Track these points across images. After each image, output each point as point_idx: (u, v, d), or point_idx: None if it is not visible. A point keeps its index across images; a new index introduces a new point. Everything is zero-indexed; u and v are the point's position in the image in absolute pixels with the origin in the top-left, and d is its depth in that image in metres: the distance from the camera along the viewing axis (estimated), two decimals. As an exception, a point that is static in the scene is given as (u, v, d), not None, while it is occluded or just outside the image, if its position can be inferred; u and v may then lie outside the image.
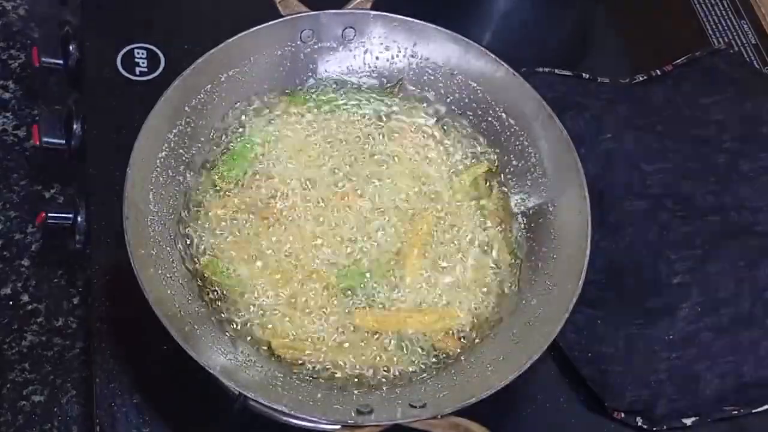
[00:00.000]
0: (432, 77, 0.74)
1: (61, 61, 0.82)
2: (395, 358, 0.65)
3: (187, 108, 0.68)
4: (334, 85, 0.74)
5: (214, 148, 0.70)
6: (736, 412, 0.72)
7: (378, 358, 0.65)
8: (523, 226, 0.70)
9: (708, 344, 0.72)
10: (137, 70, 0.82)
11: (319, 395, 0.61)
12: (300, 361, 0.64)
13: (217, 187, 0.69)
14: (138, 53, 0.83)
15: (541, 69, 0.85)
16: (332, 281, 0.66)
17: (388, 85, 0.75)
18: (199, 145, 0.69)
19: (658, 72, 0.89)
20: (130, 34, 0.84)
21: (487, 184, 0.72)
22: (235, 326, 0.64)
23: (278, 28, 0.71)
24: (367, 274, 0.67)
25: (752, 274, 0.74)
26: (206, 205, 0.68)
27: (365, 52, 0.74)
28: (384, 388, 0.63)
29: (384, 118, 0.74)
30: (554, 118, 0.69)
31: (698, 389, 0.71)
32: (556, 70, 0.86)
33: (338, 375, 0.64)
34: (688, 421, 0.71)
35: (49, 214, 0.76)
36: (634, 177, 0.79)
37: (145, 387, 0.68)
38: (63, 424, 0.79)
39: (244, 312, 0.65)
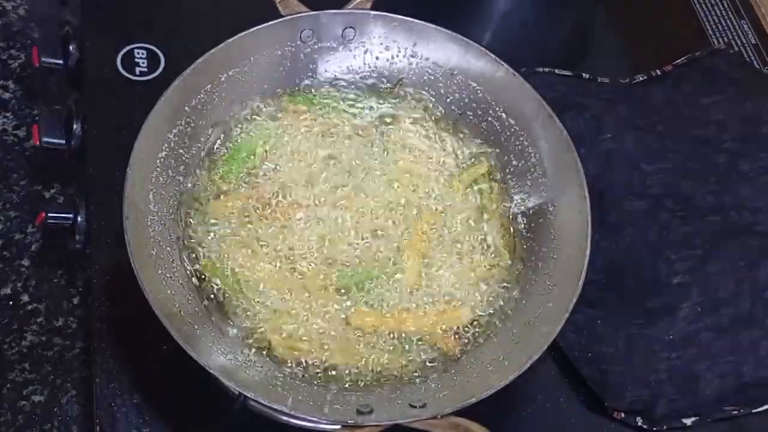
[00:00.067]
0: (432, 77, 0.74)
1: (61, 61, 0.82)
2: (395, 358, 0.65)
3: (187, 108, 0.68)
4: (334, 85, 0.74)
5: (215, 148, 0.70)
6: (736, 412, 0.72)
7: (378, 358, 0.65)
8: (523, 226, 0.70)
9: (708, 344, 0.72)
10: (137, 70, 0.82)
11: (319, 395, 0.61)
12: (300, 361, 0.64)
13: (218, 187, 0.69)
14: (138, 53, 0.83)
15: (541, 69, 0.85)
16: (332, 281, 0.66)
17: (388, 85, 0.75)
18: (199, 145, 0.69)
19: (658, 72, 0.89)
20: (130, 34, 0.84)
21: (487, 184, 0.72)
22: (235, 326, 0.64)
23: (278, 28, 0.71)
24: (368, 274, 0.67)
25: (752, 274, 0.74)
26: (206, 205, 0.68)
27: (365, 52, 0.74)
28: (384, 388, 0.63)
29: (384, 118, 0.74)
30: (554, 118, 0.69)
31: (698, 389, 0.71)
32: (556, 70, 0.86)
33: (338, 375, 0.64)
34: (688, 421, 0.71)
35: (49, 214, 0.76)
36: (634, 177, 0.79)
37: (145, 387, 0.68)
38: (63, 424, 0.79)
39: (243, 312, 0.65)
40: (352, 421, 0.59)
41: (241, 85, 0.71)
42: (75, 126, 0.78)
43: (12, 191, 0.90)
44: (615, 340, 0.72)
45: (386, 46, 0.73)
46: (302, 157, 0.71)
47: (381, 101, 0.74)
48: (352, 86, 0.74)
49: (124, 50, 0.83)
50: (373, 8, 0.73)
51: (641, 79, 0.88)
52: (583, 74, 0.87)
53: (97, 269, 0.72)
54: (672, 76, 0.88)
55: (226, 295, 0.65)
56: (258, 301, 0.65)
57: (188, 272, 0.65)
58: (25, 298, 0.84)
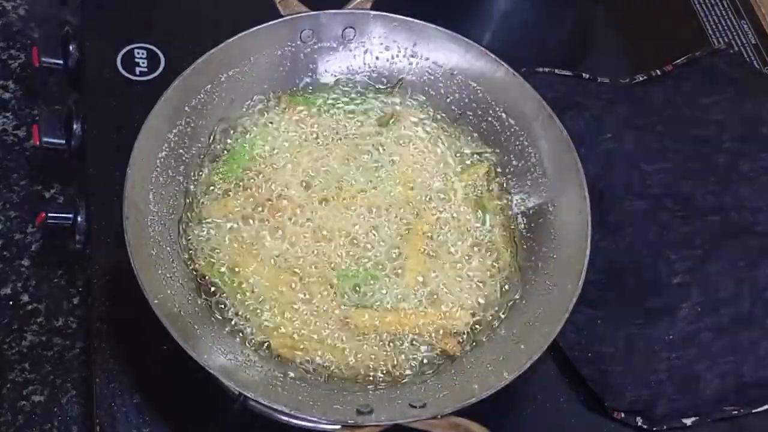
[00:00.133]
0: (432, 77, 0.74)
1: (61, 61, 0.82)
2: (395, 358, 0.65)
3: (187, 108, 0.68)
4: (334, 85, 0.74)
5: (214, 148, 0.70)
6: (736, 412, 0.72)
7: (378, 358, 0.65)
8: (523, 226, 0.71)
9: (708, 344, 0.72)
10: (137, 70, 0.82)
11: (319, 395, 0.61)
12: (300, 361, 0.64)
13: (218, 187, 0.69)
14: (138, 53, 0.83)
15: (541, 69, 0.85)
16: (332, 281, 0.66)
17: (388, 85, 0.75)
18: (199, 145, 0.69)
19: (658, 72, 0.89)
20: (130, 34, 0.84)
21: (487, 184, 0.72)
22: (234, 326, 0.64)
23: (278, 28, 0.71)
24: (368, 274, 0.67)
25: (752, 274, 0.74)
26: (206, 205, 0.68)
27: (365, 52, 0.74)
28: (384, 388, 0.63)
29: (384, 118, 0.74)
30: (554, 118, 0.69)
31: (698, 389, 0.71)
32: (556, 70, 0.86)
33: (338, 375, 0.64)
34: (688, 421, 0.71)
35: (49, 214, 0.76)
36: (634, 177, 0.79)
37: (145, 387, 0.68)
38: (63, 424, 0.79)
39: (243, 312, 0.65)
40: (352, 421, 0.59)
41: (241, 85, 0.71)
42: (75, 126, 0.78)
43: (12, 191, 0.90)
44: (615, 340, 0.72)
45: (386, 46, 0.73)
46: (302, 157, 0.71)
47: (381, 101, 0.74)
48: (352, 86, 0.75)
49: (124, 50, 0.83)
50: (373, 8, 0.73)
51: (641, 79, 0.88)
52: (583, 74, 0.87)
53: (97, 269, 0.72)
54: (672, 76, 0.88)
55: (226, 295, 0.65)
56: (258, 301, 0.65)
57: (188, 272, 0.65)
58: (25, 298, 0.84)
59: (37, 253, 0.87)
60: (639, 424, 0.71)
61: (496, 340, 0.65)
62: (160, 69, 0.82)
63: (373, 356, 0.65)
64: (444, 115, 0.74)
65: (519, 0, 0.96)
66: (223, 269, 0.66)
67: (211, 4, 0.90)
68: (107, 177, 0.74)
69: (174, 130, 0.67)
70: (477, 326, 0.67)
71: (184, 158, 0.68)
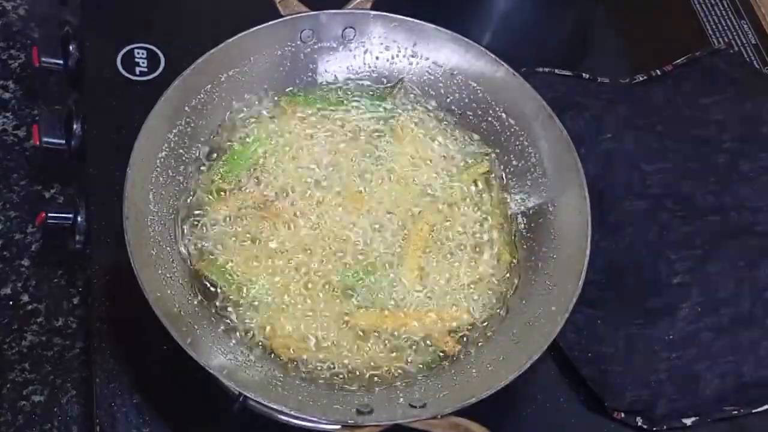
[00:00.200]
0: (432, 77, 0.74)
1: (61, 61, 0.82)
2: (395, 358, 0.65)
3: (187, 108, 0.68)
4: (334, 85, 0.74)
5: (214, 148, 0.70)
6: (736, 412, 0.72)
7: (378, 358, 0.65)
8: (523, 226, 0.71)
9: (708, 344, 0.72)
10: (137, 70, 0.82)
11: (319, 395, 0.61)
12: (300, 361, 0.64)
13: (218, 187, 0.69)
14: (138, 53, 0.83)
15: (541, 69, 0.85)
16: (332, 281, 0.66)
17: (388, 85, 0.75)
18: (199, 145, 0.69)
19: (658, 72, 0.89)
20: (130, 34, 0.84)
21: (487, 184, 0.72)
22: (234, 326, 0.64)
23: (278, 28, 0.71)
24: (368, 274, 0.67)
25: (752, 274, 0.74)
26: (206, 205, 0.68)
27: (365, 52, 0.74)
28: (384, 388, 0.63)
29: (384, 119, 0.74)
30: (554, 118, 0.69)
31: (698, 389, 0.71)
32: (556, 70, 0.86)
33: (338, 375, 0.64)
34: (688, 421, 0.71)
35: (49, 214, 0.76)
36: (634, 177, 0.79)
37: (145, 387, 0.68)
38: (63, 424, 0.79)
39: (244, 312, 0.65)
40: (352, 421, 0.59)
41: (241, 85, 0.71)
42: (75, 126, 0.78)
43: (12, 191, 0.90)
44: (615, 340, 0.72)
45: (386, 46, 0.74)
46: (302, 157, 0.71)
47: (381, 101, 0.74)
48: (352, 86, 0.74)
49: (124, 50, 0.83)
50: (373, 8, 0.73)
51: (641, 79, 0.88)
52: (583, 74, 0.87)
53: (97, 269, 0.72)
54: (672, 76, 0.88)
55: (227, 295, 0.65)
56: (258, 301, 0.65)
57: (188, 272, 0.65)
58: (25, 298, 0.84)
59: (37, 253, 0.87)
60: (639, 424, 0.71)
61: (496, 340, 0.65)
62: (160, 69, 0.82)
63: (373, 356, 0.65)
64: (444, 115, 0.74)
65: (519, 0, 0.96)
66: (223, 269, 0.66)
67: (211, 4, 0.90)
68: (107, 177, 0.74)
69: (174, 130, 0.67)
70: (477, 326, 0.67)
71: (184, 158, 0.68)
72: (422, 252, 0.68)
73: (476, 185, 0.72)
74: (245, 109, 0.72)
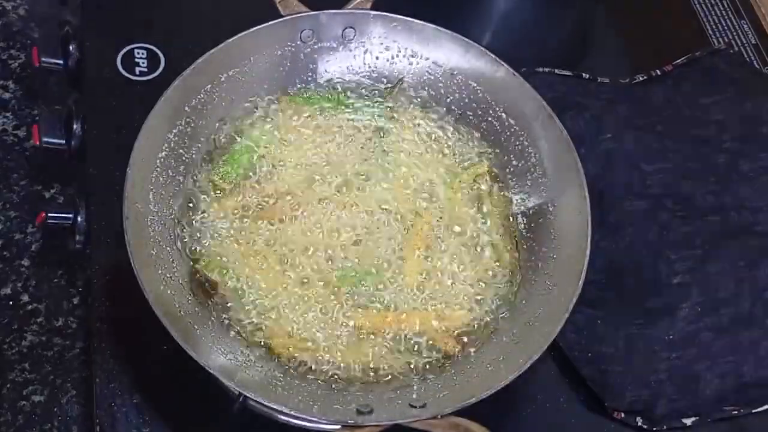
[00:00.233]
0: (432, 77, 0.74)
1: (61, 61, 0.82)
2: (395, 358, 0.65)
3: (187, 108, 0.68)
4: (334, 85, 0.74)
5: (214, 148, 0.70)
6: (736, 412, 0.72)
7: (378, 358, 0.65)
8: (523, 226, 0.70)
9: (708, 344, 0.72)
10: (137, 70, 0.82)
11: (319, 395, 0.61)
12: (300, 361, 0.64)
13: (217, 187, 0.69)
14: (138, 53, 0.83)
15: (541, 69, 0.85)
16: (332, 281, 0.66)
17: (388, 85, 0.75)
18: (199, 145, 0.69)
19: (658, 72, 0.89)
20: (130, 34, 0.84)
21: (487, 184, 0.72)
22: (234, 326, 0.64)
23: (278, 28, 0.71)
24: (368, 274, 0.67)
25: (752, 274, 0.74)
26: (206, 205, 0.68)
27: (365, 52, 0.74)
28: (384, 388, 0.63)
29: (384, 118, 0.74)
30: (554, 118, 0.69)
31: (698, 389, 0.71)
32: (556, 70, 0.86)
33: (338, 375, 0.64)
34: (688, 421, 0.71)
35: (49, 214, 0.76)
36: (634, 177, 0.79)
37: (145, 387, 0.68)
38: (63, 424, 0.79)
39: (244, 312, 0.65)
40: (352, 421, 0.59)
41: (241, 85, 0.71)
42: (75, 126, 0.78)
43: (12, 191, 0.90)
44: (615, 340, 0.72)
45: (386, 46, 0.73)
46: (302, 157, 0.71)
47: (381, 101, 0.74)
48: (352, 86, 0.74)
49: (124, 50, 0.83)
50: (373, 8, 0.73)
51: (641, 79, 0.88)
52: (583, 74, 0.87)
53: (97, 269, 0.72)
54: (672, 76, 0.88)
55: (226, 294, 0.65)
56: (258, 301, 0.65)
57: (188, 272, 0.65)
58: (25, 298, 0.84)
59: (37, 253, 0.87)
60: (639, 424, 0.71)
61: (496, 340, 0.65)
62: (160, 69, 0.82)
63: (372, 356, 0.65)
64: (444, 115, 0.74)
65: (519, 0, 0.96)
66: (223, 269, 0.66)
67: (211, 4, 0.90)
68: (107, 177, 0.74)
69: (174, 130, 0.67)
70: (477, 326, 0.67)
71: (184, 158, 0.68)
72: (422, 252, 0.68)
73: (476, 185, 0.72)
74: (245, 109, 0.72)
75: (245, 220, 0.68)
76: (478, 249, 0.69)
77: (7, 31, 0.98)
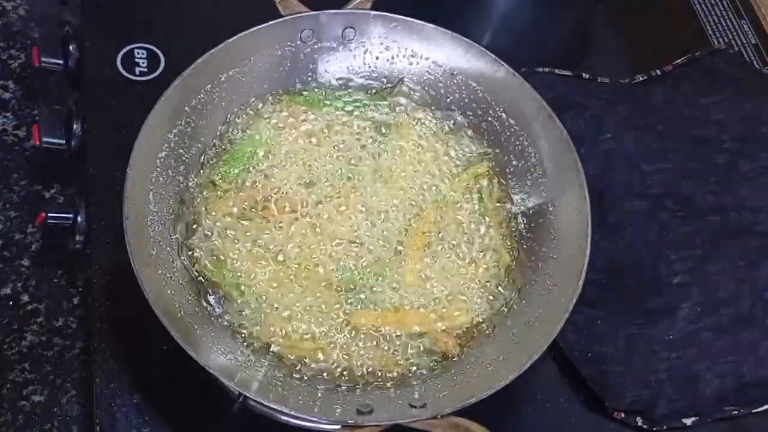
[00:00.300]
0: (432, 77, 0.74)
1: (61, 61, 0.82)
2: (395, 358, 0.65)
3: (187, 108, 0.68)
4: (334, 85, 0.74)
5: (214, 148, 0.70)
6: (736, 412, 0.72)
7: (378, 358, 0.65)
8: (523, 226, 0.70)
9: (708, 344, 0.72)
10: (137, 70, 0.82)
11: (319, 395, 0.61)
12: (300, 361, 0.64)
13: (218, 187, 0.69)
14: (138, 53, 0.83)
15: (541, 69, 0.85)
16: (332, 281, 0.66)
17: (388, 85, 0.75)
18: (199, 145, 0.69)
19: (658, 72, 0.89)
20: (130, 34, 0.84)
21: (487, 184, 0.72)
22: (235, 326, 0.64)
23: (278, 28, 0.71)
24: (368, 274, 0.67)
25: (752, 274, 0.74)
26: (206, 205, 0.68)
27: (365, 52, 0.74)
28: (384, 388, 0.63)
29: (384, 118, 0.74)
30: (554, 118, 0.69)
31: (698, 389, 0.71)
32: (556, 70, 0.86)
33: (338, 375, 0.64)
34: (688, 421, 0.71)
35: (49, 214, 0.76)
36: (634, 177, 0.79)
37: (145, 387, 0.68)
38: (63, 424, 0.79)
39: (244, 312, 0.65)
40: (352, 421, 0.59)
41: (241, 85, 0.71)
42: (75, 126, 0.78)
43: (12, 191, 0.90)
44: (615, 340, 0.72)
45: (386, 46, 0.73)
46: (302, 157, 0.71)
47: (381, 101, 0.74)
48: (352, 86, 0.74)
49: (124, 50, 0.83)
50: (373, 8, 0.73)
51: (641, 79, 0.88)
52: (583, 74, 0.87)
53: (97, 269, 0.72)
54: (672, 76, 0.88)
55: (226, 295, 0.65)
56: (258, 301, 0.65)
57: (188, 272, 0.65)
58: (25, 298, 0.84)
59: (37, 253, 0.87)
60: (639, 424, 0.71)
61: (496, 340, 0.65)
62: (160, 69, 0.82)
63: (373, 356, 0.65)
64: (444, 114, 0.74)
65: (519, 0, 0.96)
66: (223, 269, 0.66)
67: (211, 4, 0.90)
68: (107, 177, 0.74)
69: (174, 130, 0.67)
70: (477, 326, 0.67)
71: (184, 158, 0.68)
72: (422, 252, 0.68)
73: (476, 185, 0.72)
74: (245, 109, 0.72)
75: (245, 220, 0.68)
76: (478, 249, 0.69)
77: (7, 31, 0.98)
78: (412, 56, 0.74)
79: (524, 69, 0.78)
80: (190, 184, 0.68)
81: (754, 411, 0.73)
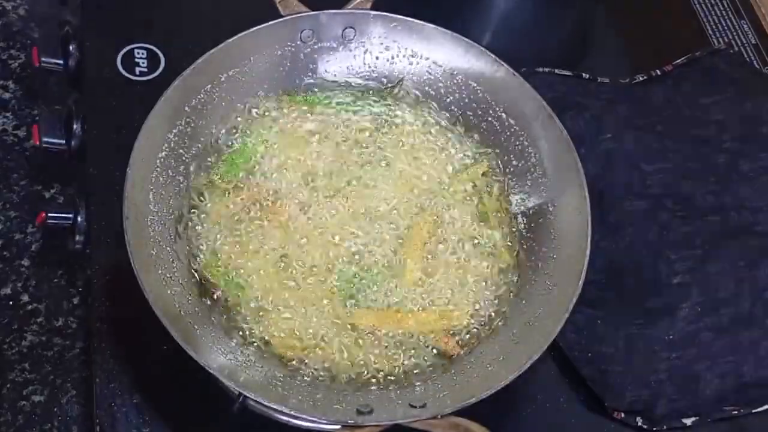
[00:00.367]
0: (432, 77, 0.74)
1: (61, 61, 0.82)
2: (395, 358, 0.65)
3: (187, 108, 0.68)
4: (334, 85, 0.74)
5: (214, 148, 0.70)
6: (736, 412, 0.72)
7: (378, 358, 0.65)
8: (523, 226, 0.70)
9: (708, 344, 0.72)
10: (137, 70, 0.82)
11: (319, 395, 0.61)
12: (300, 361, 0.64)
13: (217, 187, 0.69)
14: (138, 53, 0.83)
15: (541, 69, 0.85)
16: (332, 281, 0.66)
17: (388, 85, 0.75)
18: (199, 145, 0.69)
19: (658, 72, 0.89)
20: (130, 34, 0.84)
21: (487, 184, 0.72)
22: (234, 326, 0.64)
23: (278, 28, 0.71)
24: (367, 274, 0.67)
25: (752, 274, 0.74)
26: (206, 205, 0.68)
27: (365, 52, 0.74)
28: (384, 388, 0.63)
29: (384, 118, 0.74)
30: (554, 118, 0.69)
31: (698, 389, 0.71)
32: (556, 70, 0.86)
33: (338, 375, 0.64)
34: (688, 421, 0.71)
35: (49, 214, 0.76)
36: (634, 177, 0.79)
37: (145, 387, 0.68)
38: (63, 424, 0.79)
39: (243, 312, 0.65)
40: (352, 421, 0.59)
41: (241, 85, 0.71)
42: (75, 126, 0.78)
43: (12, 191, 0.90)
44: (615, 340, 0.72)
45: (386, 46, 0.73)
46: (302, 157, 0.71)
47: (381, 101, 0.74)
48: (352, 86, 0.74)
49: (124, 50, 0.83)
50: (373, 8, 0.73)
51: (641, 79, 0.88)
52: (583, 74, 0.87)
53: (97, 269, 0.72)
54: (672, 76, 0.88)
55: (226, 295, 0.65)
56: (258, 301, 0.65)
57: (188, 272, 0.65)
58: (25, 298, 0.84)
59: (37, 253, 0.87)
60: (639, 424, 0.71)
61: (496, 340, 0.65)
62: (160, 69, 0.82)
63: (373, 356, 0.65)
64: (444, 115, 0.74)
65: (519, 0, 0.96)
66: (223, 269, 0.66)
67: (211, 4, 0.90)
68: (107, 177, 0.74)
69: (174, 130, 0.67)
70: (477, 326, 0.67)
71: (184, 158, 0.68)
72: (422, 252, 0.68)
73: (476, 185, 0.72)
74: (245, 109, 0.72)
75: (245, 219, 0.68)
76: (478, 249, 0.69)
77: (7, 31, 0.98)
78: (412, 56, 0.74)
79: (524, 69, 0.78)
80: (190, 184, 0.68)
81: (754, 411, 0.73)
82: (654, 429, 0.71)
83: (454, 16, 0.88)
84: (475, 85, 0.73)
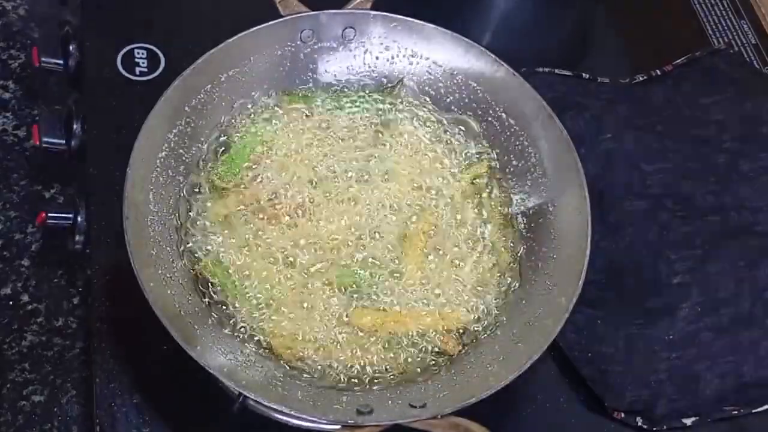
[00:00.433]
0: (432, 77, 0.74)
1: (61, 61, 0.82)
2: (395, 358, 0.65)
3: (187, 108, 0.68)
4: (334, 85, 0.74)
5: (215, 148, 0.70)
6: (736, 412, 0.72)
7: (378, 358, 0.65)
8: (523, 226, 0.70)
9: (708, 344, 0.72)
10: (137, 70, 0.82)
11: (319, 395, 0.61)
12: (300, 361, 0.64)
13: (217, 187, 0.69)
14: (138, 53, 0.83)
15: (541, 69, 0.85)
16: (332, 281, 0.66)
17: (388, 85, 0.75)
18: (199, 145, 0.69)
19: (658, 72, 0.89)
20: (130, 34, 0.84)
21: (487, 184, 0.72)
22: (234, 326, 0.64)
23: (278, 28, 0.71)
24: (367, 274, 0.67)
25: (752, 274, 0.74)
26: (206, 205, 0.68)
27: (365, 52, 0.74)
28: (384, 388, 0.63)
29: (384, 118, 0.74)
30: (554, 118, 0.69)
31: (698, 389, 0.71)
32: (556, 70, 0.86)
33: (338, 375, 0.64)
34: (688, 421, 0.71)
35: (49, 214, 0.76)
36: (634, 177, 0.79)
37: (145, 387, 0.68)
38: (63, 424, 0.79)
39: (244, 312, 0.65)
40: (352, 421, 0.59)
41: (241, 85, 0.71)
42: (75, 126, 0.78)
43: (12, 191, 0.90)
44: (615, 340, 0.72)
45: (386, 46, 0.73)
46: (302, 157, 0.71)
47: (381, 101, 0.74)
48: (352, 86, 0.74)
49: (124, 50, 0.83)
50: (373, 8, 0.73)
51: (641, 79, 0.88)
52: (583, 74, 0.87)
53: (97, 269, 0.72)
54: (672, 76, 0.88)
55: (226, 295, 0.65)
56: (258, 301, 0.65)
57: (188, 272, 0.65)
58: (25, 298, 0.84)
59: (37, 253, 0.87)
60: (639, 424, 0.71)
61: (496, 340, 0.65)
62: (160, 69, 0.82)
63: (373, 356, 0.65)
64: (444, 115, 0.74)
65: (519, 0, 0.96)
66: (223, 269, 0.66)
67: (211, 4, 0.90)
68: (107, 177, 0.74)
69: (174, 130, 0.67)
70: (477, 326, 0.67)
71: (184, 158, 0.68)
72: (422, 252, 0.68)
73: (476, 185, 0.72)
74: (245, 108, 0.72)
75: (245, 219, 0.68)
76: (478, 249, 0.69)
77: (7, 31, 0.98)
78: (412, 56, 0.74)
79: (524, 69, 0.78)
80: (190, 184, 0.68)
81: (754, 411, 0.73)
82: (654, 429, 0.71)
83: (454, 16, 0.88)
84: (475, 85, 0.73)
